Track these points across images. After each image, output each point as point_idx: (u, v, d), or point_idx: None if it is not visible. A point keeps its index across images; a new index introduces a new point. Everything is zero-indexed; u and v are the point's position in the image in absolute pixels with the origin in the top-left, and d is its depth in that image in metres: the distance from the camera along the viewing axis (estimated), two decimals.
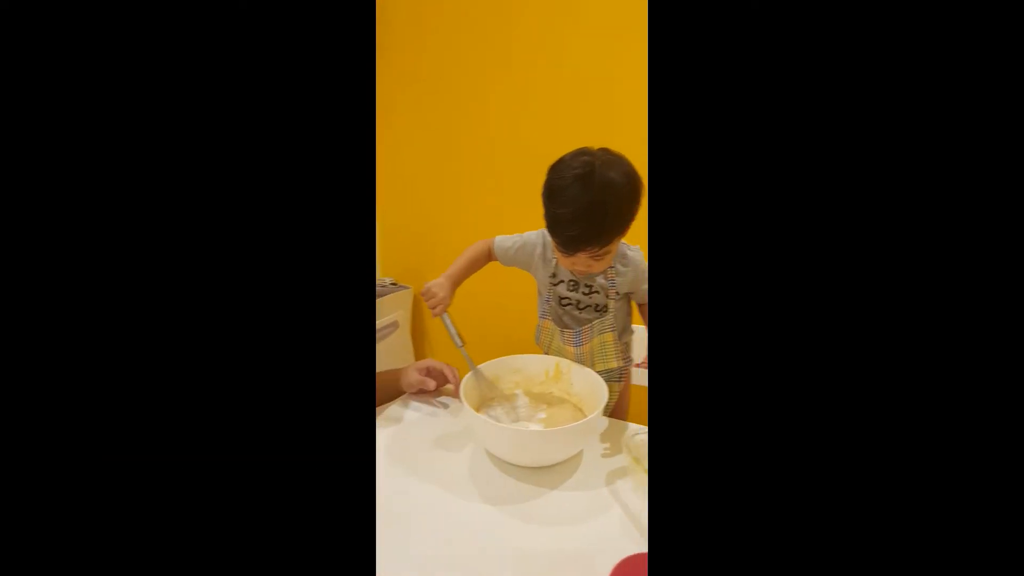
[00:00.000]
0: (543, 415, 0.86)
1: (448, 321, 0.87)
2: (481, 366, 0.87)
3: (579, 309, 0.92)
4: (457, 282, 0.91)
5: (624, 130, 1.26)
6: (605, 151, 0.76)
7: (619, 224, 0.74)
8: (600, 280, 0.88)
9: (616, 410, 1.02)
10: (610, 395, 0.99)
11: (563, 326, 0.94)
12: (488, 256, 0.97)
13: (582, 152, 0.75)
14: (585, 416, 0.82)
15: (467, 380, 0.82)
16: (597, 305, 0.90)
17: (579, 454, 0.80)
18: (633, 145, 1.21)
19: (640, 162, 1.20)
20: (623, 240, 0.89)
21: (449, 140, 1.62)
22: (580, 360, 0.92)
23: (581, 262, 0.79)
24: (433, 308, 0.86)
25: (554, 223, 0.75)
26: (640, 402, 1.08)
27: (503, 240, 0.96)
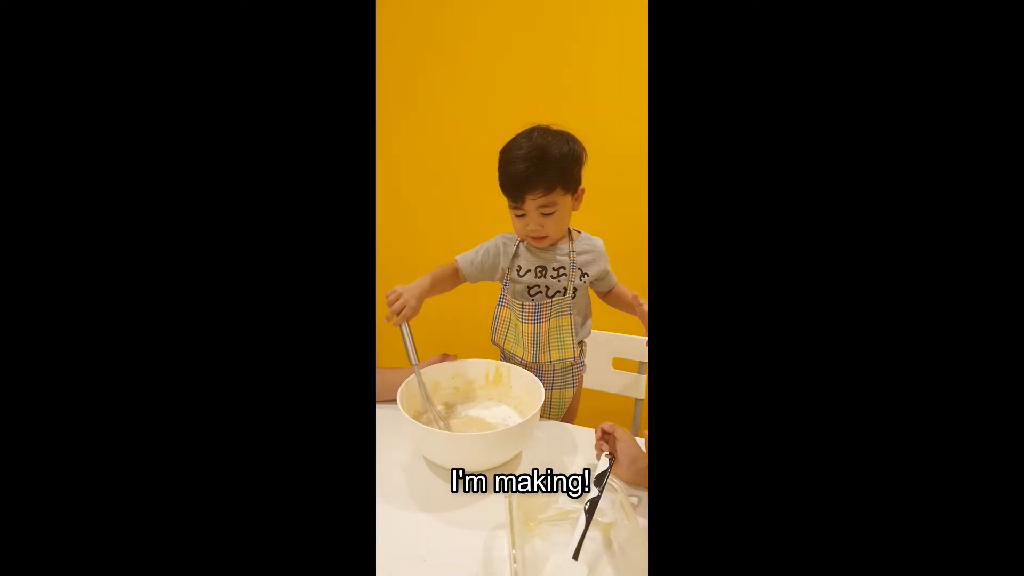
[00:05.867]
0: (482, 417, 0.86)
1: (407, 333, 0.81)
2: (422, 371, 0.86)
3: (548, 296, 0.92)
4: (424, 296, 0.87)
5: (603, 130, 1.29)
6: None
7: (558, 170, 0.82)
8: (565, 260, 0.90)
9: (566, 414, 1.03)
10: (563, 403, 0.99)
11: (524, 302, 0.92)
12: (455, 277, 0.95)
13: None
14: (525, 417, 0.82)
15: (404, 388, 0.81)
16: (566, 289, 0.91)
17: (517, 457, 0.80)
18: (612, 150, 1.26)
19: (622, 163, 1.27)
20: (584, 231, 0.94)
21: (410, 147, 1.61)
22: (537, 342, 0.91)
23: (533, 219, 0.85)
24: (397, 312, 0.80)
25: (503, 170, 0.85)
26: (588, 406, 1.09)
27: (464, 256, 0.95)
